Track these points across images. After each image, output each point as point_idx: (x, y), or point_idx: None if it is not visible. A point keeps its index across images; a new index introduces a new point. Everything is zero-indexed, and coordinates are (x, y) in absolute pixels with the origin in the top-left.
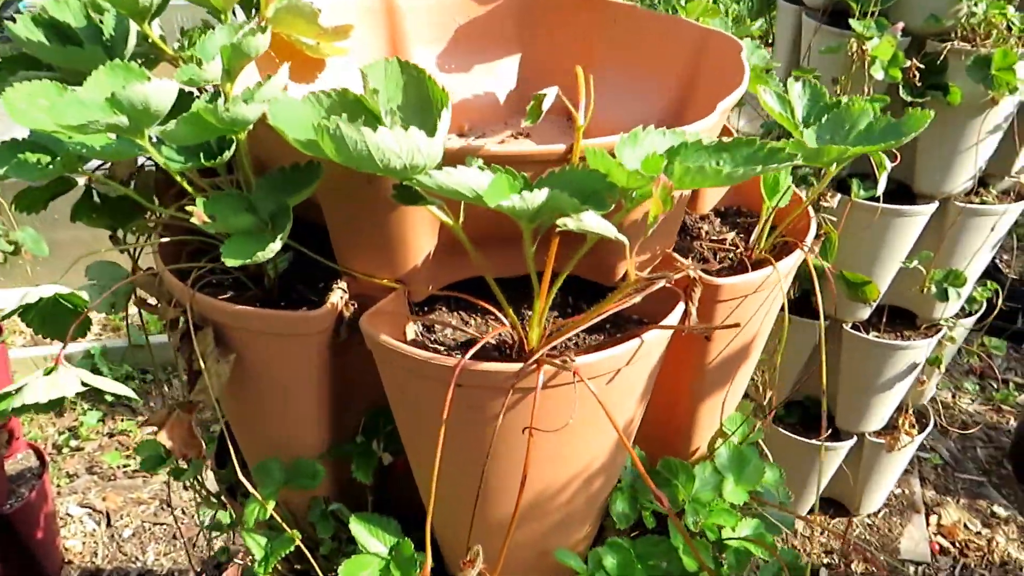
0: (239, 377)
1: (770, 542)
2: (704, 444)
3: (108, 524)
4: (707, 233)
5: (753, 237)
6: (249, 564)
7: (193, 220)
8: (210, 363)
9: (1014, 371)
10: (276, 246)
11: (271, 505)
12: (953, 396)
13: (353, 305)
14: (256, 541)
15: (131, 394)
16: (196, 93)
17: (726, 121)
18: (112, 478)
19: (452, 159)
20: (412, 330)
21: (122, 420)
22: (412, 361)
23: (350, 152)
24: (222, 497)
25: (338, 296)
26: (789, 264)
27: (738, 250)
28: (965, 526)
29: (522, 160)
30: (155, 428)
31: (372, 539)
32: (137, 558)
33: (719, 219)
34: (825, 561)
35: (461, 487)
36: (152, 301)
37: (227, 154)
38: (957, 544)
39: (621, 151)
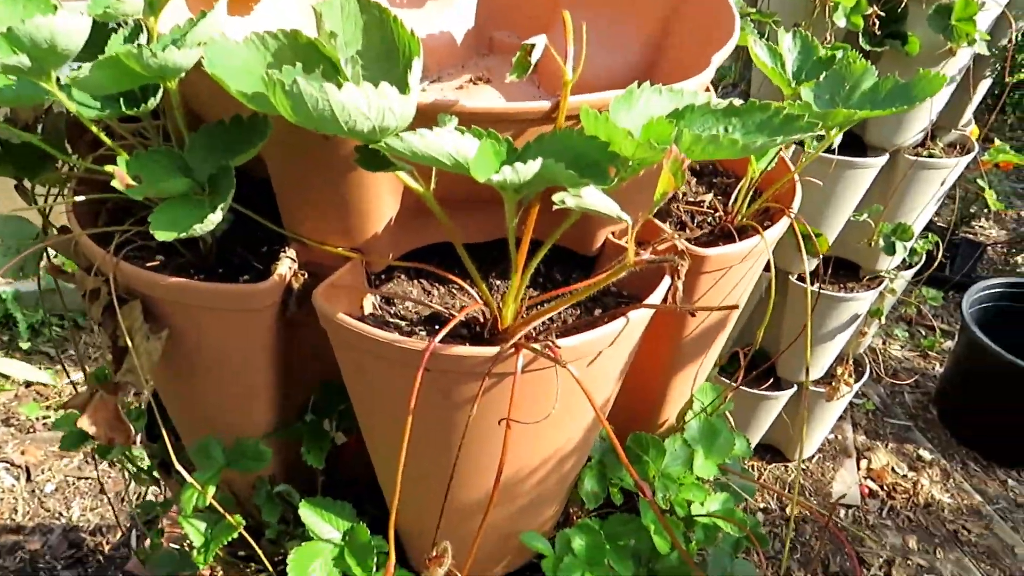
0: (173, 353)
1: (740, 517)
2: (674, 415)
3: (28, 479)
4: (684, 194)
5: (733, 201)
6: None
7: (114, 183)
8: (138, 340)
9: (940, 318)
10: (216, 217)
11: (211, 491)
12: (884, 343)
13: (303, 275)
14: (195, 527)
15: (45, 379)
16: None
17: None
18: (31, 430)
19: (422, 116)
20: (370, 303)
21: (40, 368)
22: (373, 343)
23: (309, 112)
24: (155, 473)
25: (286, 266)
26: (776, 233)
27: (716, 213)
28: (893, 469)
29: (502, 118)
30: (76, 411)
31: (324, 524)
32: (61, 514)
33: (695, 178)
34: (761, 506)
35: (424, 472)
36: (68, 265)
37: (153, 101)
38: (885, 487)
39: (616, 112)
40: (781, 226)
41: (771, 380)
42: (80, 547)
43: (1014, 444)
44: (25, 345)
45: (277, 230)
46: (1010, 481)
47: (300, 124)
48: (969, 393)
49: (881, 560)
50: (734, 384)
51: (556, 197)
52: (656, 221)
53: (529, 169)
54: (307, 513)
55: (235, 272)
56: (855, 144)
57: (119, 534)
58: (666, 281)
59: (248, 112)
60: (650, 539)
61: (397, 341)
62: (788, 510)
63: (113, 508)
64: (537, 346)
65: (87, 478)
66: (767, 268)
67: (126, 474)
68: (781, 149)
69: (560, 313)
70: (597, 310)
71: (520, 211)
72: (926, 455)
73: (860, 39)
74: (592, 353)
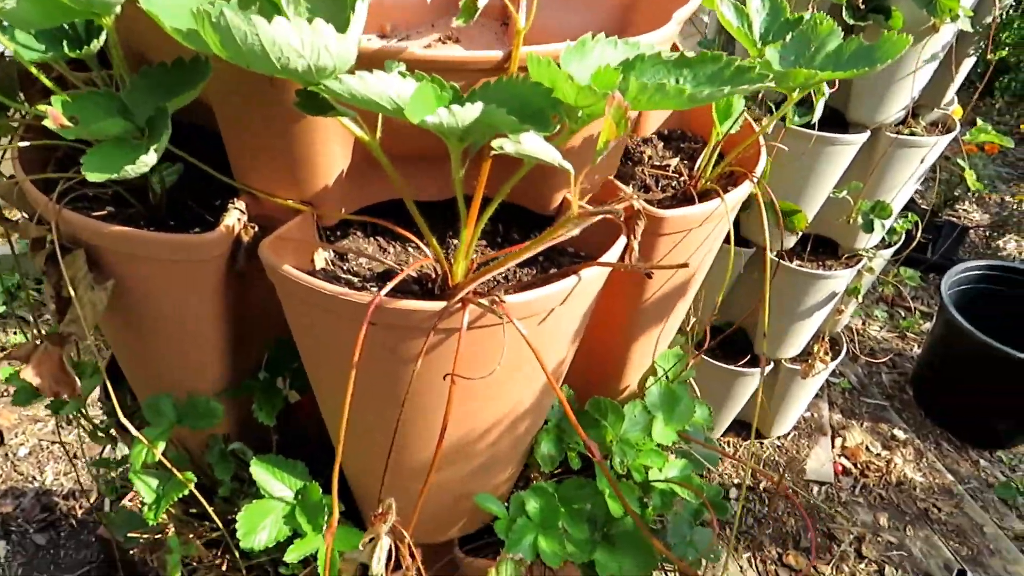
0: (121, 306)
1: (697, 484)
2: (635, 381)
3: (1, 442)
4: (650, 158)
5: (698, 165)
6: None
7: (47, 123)
8: (82, 290)
9: (920, 300)
10: (149, 159)
11: (160, 447)
12: (863, 323)
13: (253, 228)
14: (146, 483)
15: None
16: None
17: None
18: (4, 394)
19: (369, 62)
20: (322, 258)
21: (14, 333)
22: (319, 296)
23: (239, 47)
24: (111, 431)
25: (234, 218)
26: (737, 196)
27: (682, 178)
28: (867, 448)
29: (452, 67)
30: (19, 363)
31: (276, 483)
32: (34, 478)
33: (662, 143)
34: (735, 481)
35: (374, 431)
36: (13, 214)
37: (96, 43)
38: (859, 465)
39: (567, 62)
40: (743, 189)
41: (748, 357)
42: (53, 511)
43: (987, 425)
44: (1, 308)
45: (227, 182)
46: (982, 462)
47: (231, 60)
48: (945, 374)
49: (851, 536)
50: (698, 352)
51: (495, 143)
52: (617, 182)
53: (467, 113)
54: (259, 471)
55: (187, 226)
56: (837, 121)
57: (92, 499)
58: (622, 241)
59: (190, 53)
60: (605, 503)
61: (342, 294)
62: (761, 484)
63: (76, 472)
64: (485, 301)
65: (61, 442)
66: (728, 240)
67: (82, 434)
68: (744, 112)
69: (515, 272)
70: (553, 270)
71: (467, 162)
72: (900, 435)
73: (844, 12)
74: (543, 311)
